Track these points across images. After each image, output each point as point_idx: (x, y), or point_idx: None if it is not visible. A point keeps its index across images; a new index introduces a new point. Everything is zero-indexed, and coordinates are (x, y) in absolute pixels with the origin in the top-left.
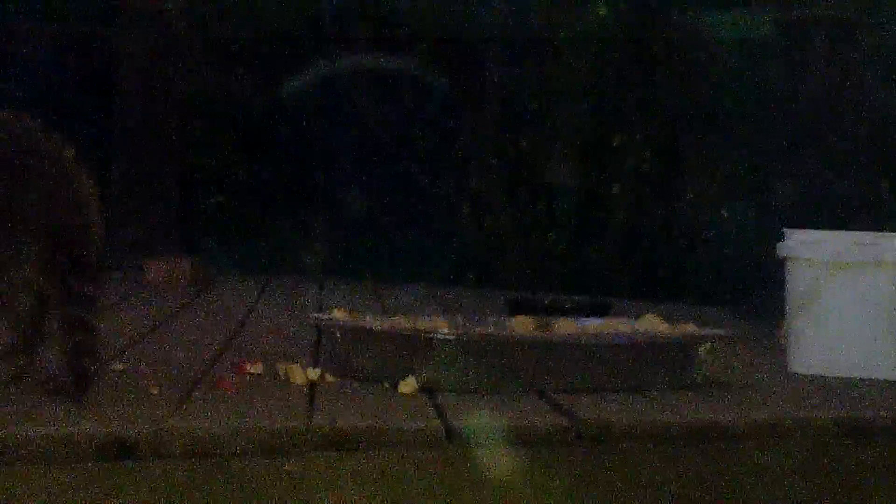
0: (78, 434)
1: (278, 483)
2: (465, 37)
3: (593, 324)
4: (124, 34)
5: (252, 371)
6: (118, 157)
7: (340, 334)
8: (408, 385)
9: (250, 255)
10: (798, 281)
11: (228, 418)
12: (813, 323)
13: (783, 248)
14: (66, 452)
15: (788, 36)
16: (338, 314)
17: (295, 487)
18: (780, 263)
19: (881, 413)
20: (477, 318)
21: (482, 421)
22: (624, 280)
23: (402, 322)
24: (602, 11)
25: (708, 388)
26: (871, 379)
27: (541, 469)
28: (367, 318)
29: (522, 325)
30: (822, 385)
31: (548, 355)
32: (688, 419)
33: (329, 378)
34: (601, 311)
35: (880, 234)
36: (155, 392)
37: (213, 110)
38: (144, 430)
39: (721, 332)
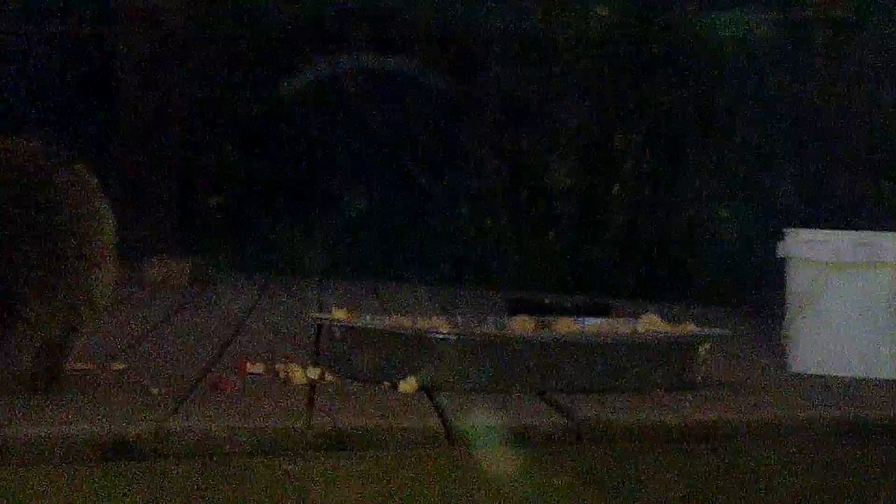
0: (78, 434)
1: (278, 483)
2: (465, 37)
3: (593, 324)
4: (124, 34)
5: (252, 371)
6: (118, 157)
7: (340, 334)
8: (408, 385)
9: (250, 255)
10: (798, 281)
11: (228, 418)
12: (813, 323)
13: (783, 248)
14: (66, 452)
15: (788, 36)
16: (338, 314)
17: (295, 487)
18: (780, 263)
19: (881, 413)
20: (477, 318)
21: (482, 421)
22: (624, 280)
23: (402, 322)
24: (602, 11)
25: (708, 388)
26: (871, 379)
27: (541, 469)
28: (367, 317)
29: (522, 324)
30: (822, 385)
31: (548, 355)
32: (688, 419)
33: (329, 378)
34: (601, 311)
35: (880, 234)
36: (155, 392)
37: (213, 110)
38: (144, 430)
39: (721, 332)
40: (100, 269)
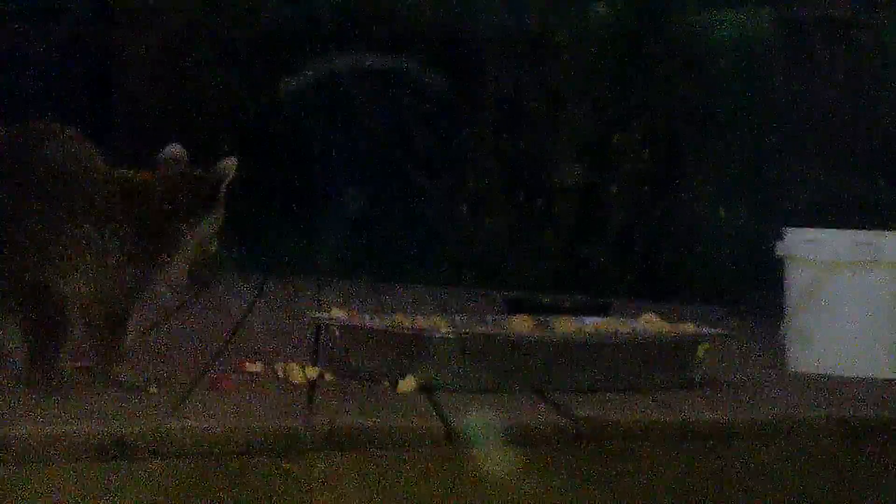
0: (77, 434)
1: (277, 482)
2: (465, 37)
3: (593, 323)
4: (124, 34)
5: (251, 370)
6: (117, 157)
7: (339, 333)
8: (407, 384)
9: (249, 255)
10: (797, 280)
11: (228, 418)
12: (812, 322)
13: (782, 247)
14: (66, 452)
15: (788, 36)
16: (337, 313)
17: (294, 487)
18: (780, 263)
19: (881, 413)
20: (476, 317)
21: (482, 420)
22: (623, 280)
23: (401, 321)
24: (602, 11)
25: (708, 387)
26: (870, 378)
27: (540, 469)
28: (366, 317)
29: (522, 324)
30: (822, 385)
31: (547, 355)
32: (688, 419)
33: (328, 377)
34: (601, 310)
35: (880, 233)
36: (154, 392)
37: (213, 110)
38: (144, 430)
39: (721, 331)
40: (58, 263)
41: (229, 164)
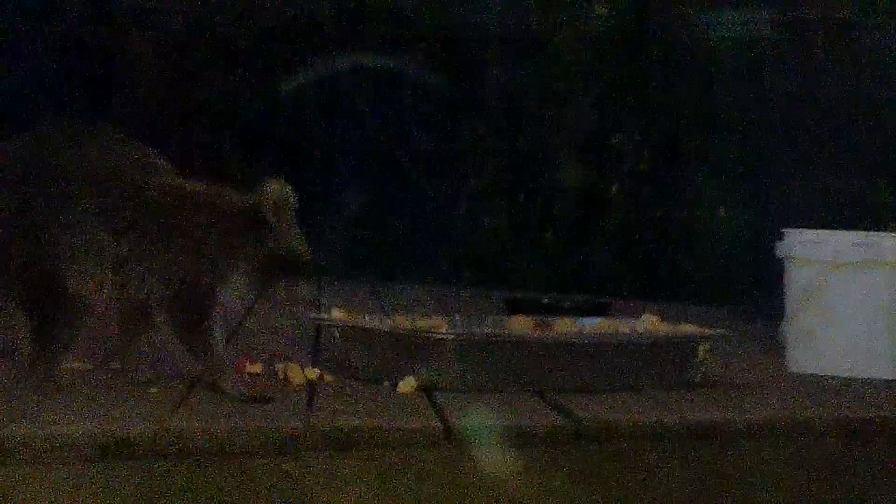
0: (78, 434)
1: (277, 483)
2: (465, 37)
3: (593, 324)
4: (124, 34)
5: (251, 371)
6: None
7: (339, 334)
8: (407, 384)
9: None
10: (797, 281)
11: (227, 418)
12: (812, 322)
13: (782, 248)
14: (66, 452)
15: (788, 36)
16: (336, 314)
17: (294, 487)
18: (780, 263)
19: (881, 413)
20: (476, 318)
21: (481, 420)
22: (623, 280)
23: (401, 321)
24: (602, 11)
25: (708, 388)
26: (870, 379)
27: (540, 469)
28: (366, 317)
29: (521, 324)
30: (822, 385)
31: (547, 355)
32: (688, 419)
33: (328, 378)
34: (600, 311)
35: (880, 233)
36: (154, 391)
37: (213, 110)
38: (144, 430)
39: (721, 331)
40: (71, 264)
41: (271, 187)
